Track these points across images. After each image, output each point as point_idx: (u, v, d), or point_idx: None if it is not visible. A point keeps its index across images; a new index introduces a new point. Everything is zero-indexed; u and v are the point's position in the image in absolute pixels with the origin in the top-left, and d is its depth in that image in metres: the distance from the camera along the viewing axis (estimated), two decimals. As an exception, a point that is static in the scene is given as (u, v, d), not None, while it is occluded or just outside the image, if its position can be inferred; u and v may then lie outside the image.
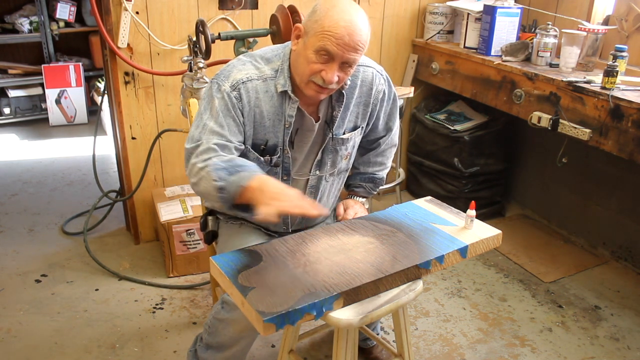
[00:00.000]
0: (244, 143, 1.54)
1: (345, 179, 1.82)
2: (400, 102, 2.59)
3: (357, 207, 1.81)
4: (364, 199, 1.89)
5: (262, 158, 1.57)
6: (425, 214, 1.64)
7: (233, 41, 2.30)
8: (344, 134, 1.64)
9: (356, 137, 1.69)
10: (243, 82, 1.49)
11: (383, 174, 1.89)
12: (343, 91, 1.57)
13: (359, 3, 2.84)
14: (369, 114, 1.67)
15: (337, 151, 1.65)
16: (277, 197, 1.31)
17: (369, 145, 1.82)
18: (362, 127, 1.69)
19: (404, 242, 1.48)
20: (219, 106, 1.49)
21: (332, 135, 1.61)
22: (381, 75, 1.66)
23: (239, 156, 1.51)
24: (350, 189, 1.89)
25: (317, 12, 1.43)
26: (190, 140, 1.50)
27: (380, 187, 1.92)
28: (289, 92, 1.51)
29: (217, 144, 1.45)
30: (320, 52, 1.41)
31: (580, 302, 2.44)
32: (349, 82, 1.57)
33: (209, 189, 1.39)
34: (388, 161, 1.88)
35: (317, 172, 1.66)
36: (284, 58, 1.53)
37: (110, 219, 2.95)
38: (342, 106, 1.59)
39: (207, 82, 2.16)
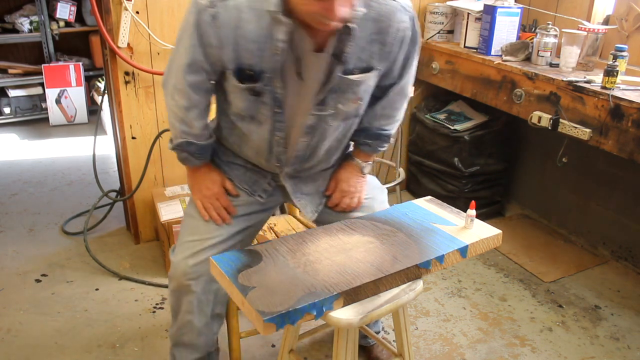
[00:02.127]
0: (226, 67, 1.42)
1: (352, 130, 1.63)
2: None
3: (352, 183, 1.67)
4: (365, 164, 1.71)
5: (241, 85, 1.42)
6: (426, 214, 1.64)
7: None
8: (352, 73, 1.44)
9: (369, 81, 1.49)
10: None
11: (391, 128, 1.67)
12: (349, 24, 1.35)
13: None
14: (387, 55, 1.46)
15: (344, 92, 1.46)
16: (196, 190, 1.64)
17: (378, 93, 1.60)
18: (379, 70, 1.48)
19: (404, 241, 1.48)
20: (191, 35, 1.39)
21: (340, 72, 1.42)
22: (405, 10, 1.44)
23: (216, 79, 1.49)
24: (355, 147, 1.73)
25: None
26: (167, 67, 1.53)
27: (389, 145, 1.72)
28: (281, 14, 1.31)
29: (189, 83, 1.47)
30: None
31: (580, 302, 2.44)
32: (360, 14, 1.37)
33: (170, 128, 1.62)
34: (398, 113, 1.65)
35: (317, 112, 1.48)
36: None
37: (110, 218, 2.95)
38: (352, 40, 1.37)
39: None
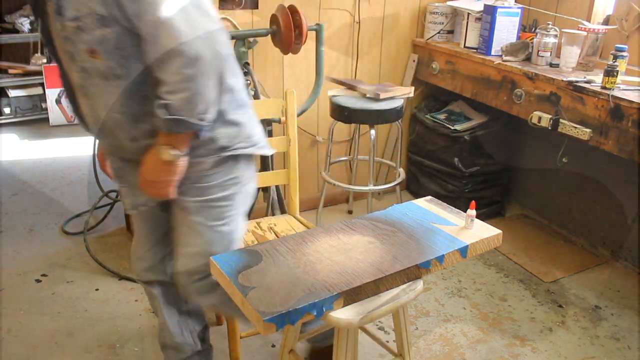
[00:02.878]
0: None
1: (134, 99, 1.35)
2: (400, 102, 2.59)
3: (151, 170, 1.38)
4: (164, 148, 1.33)
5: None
6: (426, 214, 1.64)
7: (233, 41, 2.30)
8: (74, 20, 1.26)
9: (96, 30, 1.25)
10: None
11: (171, 98, 1.26)
12: None
13: (359, 3, 2.84)
14: None
15: (75, 42, 1.29)
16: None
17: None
18: (102, 16, 1.24)
19: (404, 241, 1.48)
20: None
21: (64, 20, 1.27)
22: None
23: None
24: None
25: None
26: None
27: (181, 123, 1.29)
28: None
29: None
30: None
31: (580, 302, 2.44)
32: None
33: None
34: (171, 78, 1.25)
35: (73, 66, 1.34)
36: None
37: (110, 218, 2.95)
38: None
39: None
